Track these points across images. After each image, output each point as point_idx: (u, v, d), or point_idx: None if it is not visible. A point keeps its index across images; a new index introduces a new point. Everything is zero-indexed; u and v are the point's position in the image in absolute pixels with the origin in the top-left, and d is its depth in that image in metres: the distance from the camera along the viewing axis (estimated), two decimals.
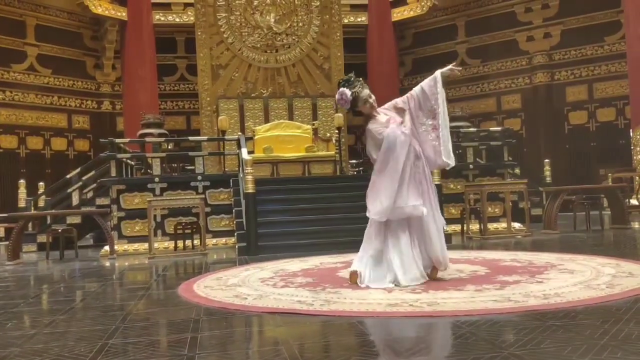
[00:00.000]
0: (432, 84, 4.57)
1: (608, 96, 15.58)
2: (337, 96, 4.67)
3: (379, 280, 4.32)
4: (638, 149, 12.25)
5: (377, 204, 4.41)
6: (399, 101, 4.68)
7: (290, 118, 12.42)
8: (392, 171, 4.38)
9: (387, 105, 4.71)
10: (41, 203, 11.18)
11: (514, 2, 16.73)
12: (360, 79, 4.71)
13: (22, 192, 11.00)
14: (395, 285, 4.25)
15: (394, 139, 4.42)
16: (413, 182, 4.40)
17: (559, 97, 16.15)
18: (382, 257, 4.41)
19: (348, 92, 4.58)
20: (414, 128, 4.55)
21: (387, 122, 4.53)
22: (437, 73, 4.59)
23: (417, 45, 17.77)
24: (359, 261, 4.50)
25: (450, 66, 4.64)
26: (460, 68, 4.79)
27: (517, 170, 11.79)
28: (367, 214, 4.51)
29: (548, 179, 12.43)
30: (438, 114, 4.53)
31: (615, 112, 15.49)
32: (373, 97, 4.62)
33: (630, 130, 13.22)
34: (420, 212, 4.35)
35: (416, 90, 4.63)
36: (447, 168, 4.77)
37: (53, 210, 10.41)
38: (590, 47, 15.78)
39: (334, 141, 11.47)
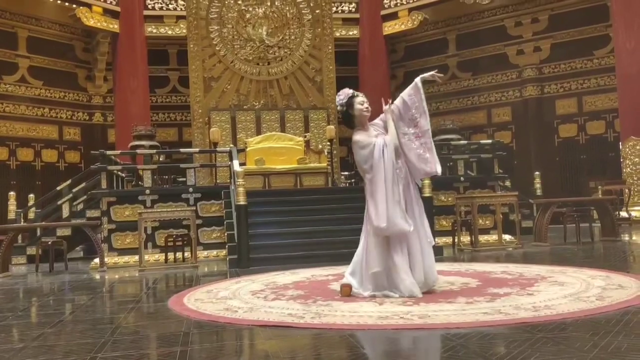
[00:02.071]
0: (412, 92, 4.55)
1: (597, 109, 15.70)
2: (339, 94, 4.67)
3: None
4: (627, 161, 12.33)
5: (378, 218, 4.35)
6: (382, 115, 4.68)
7: (282, 130, 12.44)
8: (382, 181, 4.37)
9: (376, 120, 4.71)
10: (31, 215, 11.12)
11: (504, 16, 16.89)
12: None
13: (12, 203, 10.93)
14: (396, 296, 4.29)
15: (380, 148, 4.43)
16: (398, 197, 4.38)
17: (549, 110, 16.27)
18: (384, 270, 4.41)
19: (350, 91, 4.64)
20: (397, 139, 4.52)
21: (376, 137, 4.53)
22: (417, 79, 4.55)
23: (409, 59, 17.89)
24: (352, 275, 4.55)
25: (432, 72, 4.64)
26: (441, 75, 4.80)
27: (507, 183, 11.85)
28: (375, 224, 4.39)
29: (538, 192, 12.48)
30: (419, 122, 4.50)
31: (604, 125, 15.61)
32: (367, 103, 4.60)
33: (620, 143, 13.32)
34: (406, 229, 4.33)
35: (397, 101, 4.64)
36: (435, 174, 4.66)
37: (43, 222, 10.37)
38: (580, 60, 15.94)
39: (325, 153, 11.48)
